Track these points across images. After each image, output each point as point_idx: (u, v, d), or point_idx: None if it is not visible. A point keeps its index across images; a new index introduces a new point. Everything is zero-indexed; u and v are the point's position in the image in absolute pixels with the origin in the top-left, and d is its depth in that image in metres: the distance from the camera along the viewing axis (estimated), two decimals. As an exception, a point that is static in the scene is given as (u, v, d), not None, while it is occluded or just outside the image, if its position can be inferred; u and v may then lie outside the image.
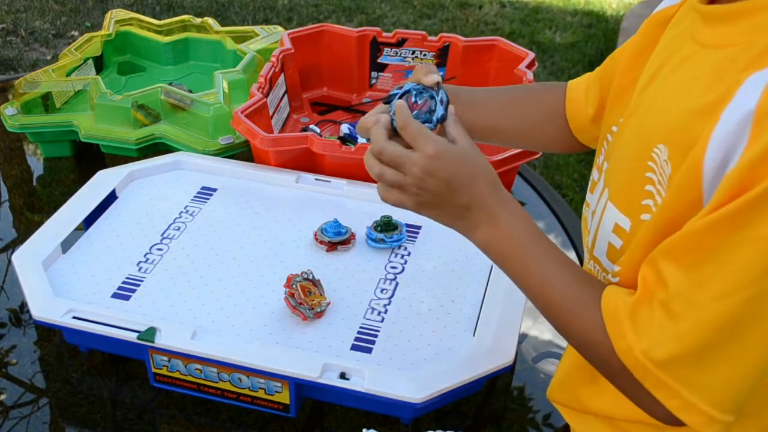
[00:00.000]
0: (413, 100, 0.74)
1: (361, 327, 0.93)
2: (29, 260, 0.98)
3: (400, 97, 0.74)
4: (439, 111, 0.73)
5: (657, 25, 0.73)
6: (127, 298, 0.96)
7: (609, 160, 0.75)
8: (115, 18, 1.62)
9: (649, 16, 0.76)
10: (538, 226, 0.71)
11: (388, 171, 0.69)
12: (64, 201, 1.11)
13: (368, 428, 0.84)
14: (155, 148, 1.33)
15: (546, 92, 0.91)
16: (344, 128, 1.37)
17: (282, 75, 1.40)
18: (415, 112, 0.73)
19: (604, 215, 0.71)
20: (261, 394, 0.88)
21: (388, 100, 0.74)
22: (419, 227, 1.10)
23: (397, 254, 1.06)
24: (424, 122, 0.72)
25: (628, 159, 0.69)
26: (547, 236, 0.71)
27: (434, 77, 0.73)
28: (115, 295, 0.96)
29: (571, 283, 0.67)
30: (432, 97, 0.74)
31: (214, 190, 1.18)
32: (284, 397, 0.87)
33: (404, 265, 1.04)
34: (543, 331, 1.03)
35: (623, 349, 0.61)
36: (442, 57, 1.50)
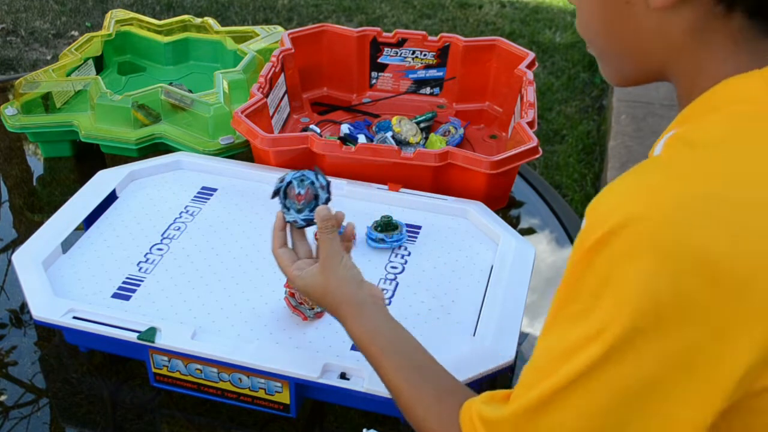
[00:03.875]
0: (296, 191, 0.82)
1: (361, 327, 0.93)
2: (29, 260, 0.98)
3: (285, 189, 0.82)
4: (323, 196, 0.82)
5: None
6: (127, 298, 0.96)
7: None
8: (115, 18, 1.62)
9: None
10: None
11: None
12: (64, 201, 1.11)
13: (368, 428, 0.84)
14: (155, 148, 1.33)
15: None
16: (344, 128, 1.37)
17: (282, 75, 1.40)
18: (301, 203, 0.81)
19: None
20: (261, 394, 0.88)
21: (275, 193, 0.83)
22: (419, 227, 1.10)
23: (397, 254, 1.06)
24: (311, 210, 0.81)
25: None
26: (406, 343, 0.74)
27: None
28: (115, 295, 0.96)
29: (416, 386, 0.69)
30: (312, 183, 0.81)
31: (214, 190, 1.18)
32: (284, 397, 0.87)
33: (404, 265, 1.04)
34: (543, 331, 1.03)
35: (464, 420, 0.60)
36: (442, 57, 1.50)
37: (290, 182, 0.83)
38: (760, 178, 0.50)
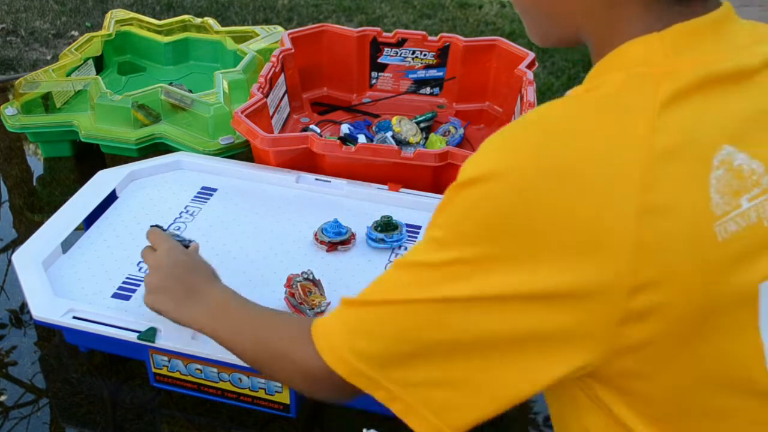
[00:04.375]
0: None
1: (361, 327, 0.93)
2: (29, 260, 0.98)
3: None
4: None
5: None
6: (127, 298, 0.96)
7: None
8: (115, 18, 1.62)
9: None
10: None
11: None
12: (64, 201, 1.11)
13: (368, 428, 0.84)
14: (155, 148, 1.33)
15: None
16: (344, 128, 1.37)
17: (282, 75, 1.40)
18: None
19: None
20: (261, 394, 0.88)
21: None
22: (419, 227, 1.10)
23: (397, 254, 1.06)
24: None
25: None
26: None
27: None
28: (115, 295, 0.96)
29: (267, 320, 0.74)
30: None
31: (214, 190, 1.18)
32: (284, 397, 0.87)
33: (404, 265, 1.03)
34: (543, 331, 1.03)
35: (328, 351, 0.61)
36: (442, 57, 1.50)
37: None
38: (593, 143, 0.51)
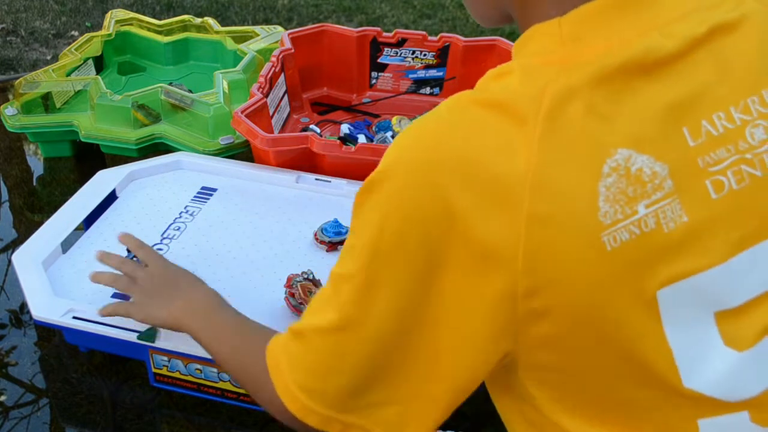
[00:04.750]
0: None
1: (361, 327, 0.93)
2: (29, 260, 0.98)
3: None
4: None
5: None
6: (127, 298, 0.96)
7: None
8: (115, 18, 1.62)
9: None
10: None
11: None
12: (64, 201, 1.11)
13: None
14: (155, 148, 1.33)
15: None
16: (344, 128, 1.37)
17: (282, 75, 1.40)
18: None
19: None
20: (261, 394, 0.87)
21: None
22: (419, 227, 1.10)
23: (397, 254, 1.05)
24: None
25: None
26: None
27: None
28: (115, 295, 0.96)
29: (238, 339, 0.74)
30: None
31: (214, 190, 1.18)
32: (284, 397, 0.87)
33: (404, 265, 1.03)
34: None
35: (282, 389, 0.61)
36: (442, 57, 1.50)
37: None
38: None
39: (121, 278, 0.88)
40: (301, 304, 0.92)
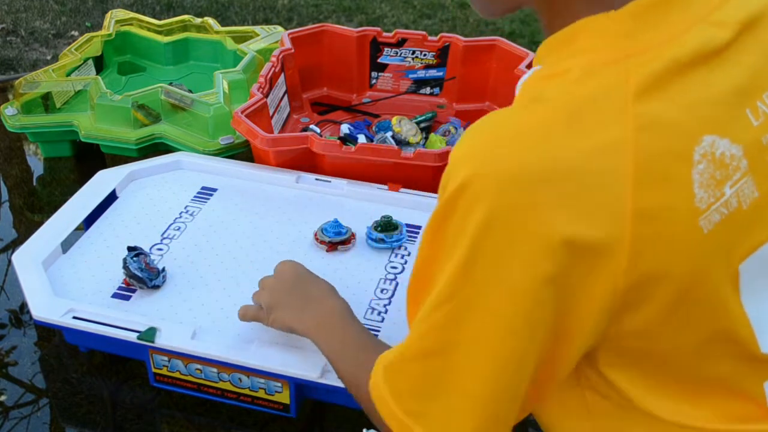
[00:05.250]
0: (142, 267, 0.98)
1: (361, 327, 0.93)
2: (29, 260, 0.98)
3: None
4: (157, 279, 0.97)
5: None
6: (127, 298, 0.96)
7: None
8: (115, 18, 1.62)
9: None
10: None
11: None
12: (64, 201, 1.11)
13: (368, 428, 0.84)
14: (155, 148, 1.33)
15: None
16: (344, 128, 1.37)
17: (282, 75, 1.40)
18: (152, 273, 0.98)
19: None
20: (261, 394, 0.88)
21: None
22: (419, 227, 1.10)
23: (397, 254, 1.06)
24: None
25: None
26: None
27: None
28: (115, 295, 0.96)
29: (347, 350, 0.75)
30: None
31: (214, 190, 1.18)
32: (284, 397, 0.87)
33: (404, 265, 1.04)
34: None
35: (373, 382, 0.62)
36: (442, 57, 1.50)
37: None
38: (578, 143, 0.50)
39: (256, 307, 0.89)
40: None
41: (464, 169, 0.51)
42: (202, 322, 0.92)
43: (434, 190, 1.16)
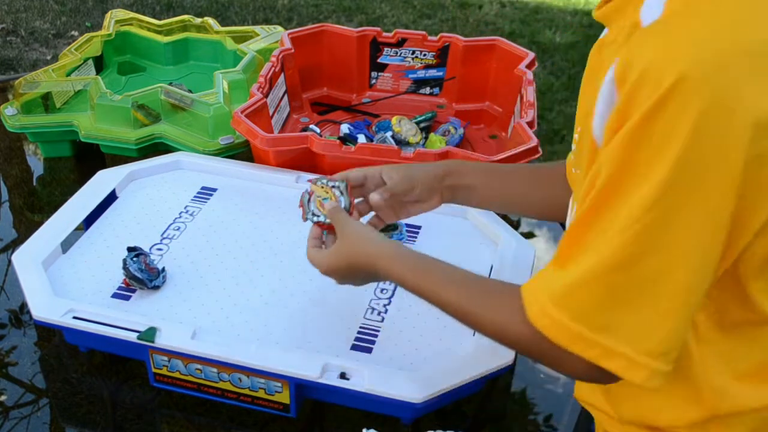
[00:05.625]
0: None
1: (361, 327, 0.93)
2: (29, 260, 0.98)
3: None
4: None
5: (596, 51, 0.75)
6: (127, 298, 0.96)
7: None
8: (115, 18, 1.62)
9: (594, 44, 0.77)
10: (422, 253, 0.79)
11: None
12: (64, 201, 1.11)
13: (368, 428, 0.84)
14: (155, 148, 1.33)
15: (559, 168, 0.92)
16: (344, 128, 1.37)
17: (282, 75, 1.40)
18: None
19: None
20: (261, 394, 0.88)
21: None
22: (419, 227, 1.10)
23: (397, 254, 1.05)
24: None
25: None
26: (436, 260, 0.78)
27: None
28: (115, 295, 0.96)
29: (467, 288, 0.73)
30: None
31: (214, 190, 1.18)
32: (284, 397, 0.87)
33: (404, 265, 1.03)
34: (543, 331, 1.03)
35: (535, 313, 0.62)
36: (442, 57, 1.50)
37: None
38: None
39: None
40: (312, 209, 0.88)
41: (670, 72, 0.52)
42: (202, 322, 0.92)
43: (434, 190, 1.16)
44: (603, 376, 0.60)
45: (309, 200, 0.88)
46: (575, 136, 0.75)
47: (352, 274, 0.82)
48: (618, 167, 0.56)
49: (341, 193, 0.87)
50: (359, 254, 0.80)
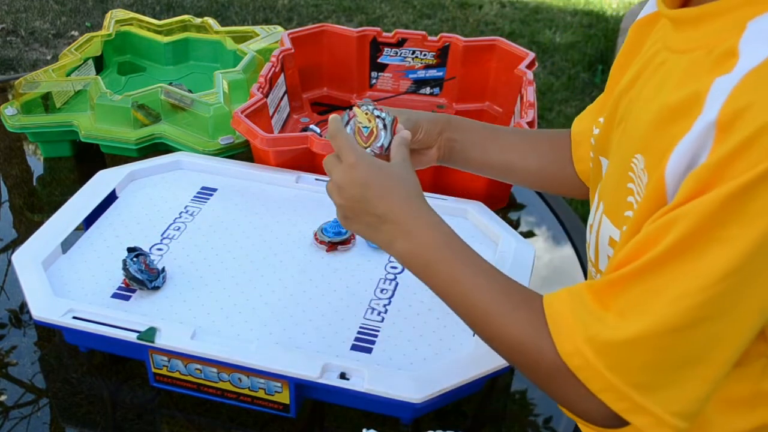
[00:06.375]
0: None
1: (361, 327, 0.93)
2: (29, 260, 0.98)
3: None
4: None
5: (641, 30, 0.72)
6: (127, 298, 0.96)
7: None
8: (115, 18, 1.62)
9: (635, 21, 0.75)
10: (461, 237, 0.71)
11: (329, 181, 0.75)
12: (64, 201, 1.11)
13: (368, 428, 0.84)
14: (155, 148, 1.33)
15: (561, 136, 0.91)
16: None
17: (282, 75, 1.40)
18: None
19: (601, 229, 0.71)
20: (261, 394, 0.88)
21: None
22: (419, 227, 1.10)
23: (397, 254, 1.05)
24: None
25: (615, 170, 0.68)
26: (469, 246, 0.70)
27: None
28: (115, 295, 0.96)
29: (494, 288, 0.67)
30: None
31: (214, 190, 1.18)
32: (284, 397, 0.87)
33: (404, 265, 1.03)
34: (543, 331, 1.03)
35: (568, 351, 0.59)
36: (442, 57, 1.50)
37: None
38: None
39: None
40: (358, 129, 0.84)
41: None
42: (202, 322, 0.92)
43: (434, 189, 1.16)
44: (617, 424, 0.59)
45: (347, 123, 0.80)
46: (600, 120, 0.73)
47: (362, 207, 0.72)
48: (701, 226, 0.53)
49: (384, 127, 0.79)
50: (390, 188, 0.71)
